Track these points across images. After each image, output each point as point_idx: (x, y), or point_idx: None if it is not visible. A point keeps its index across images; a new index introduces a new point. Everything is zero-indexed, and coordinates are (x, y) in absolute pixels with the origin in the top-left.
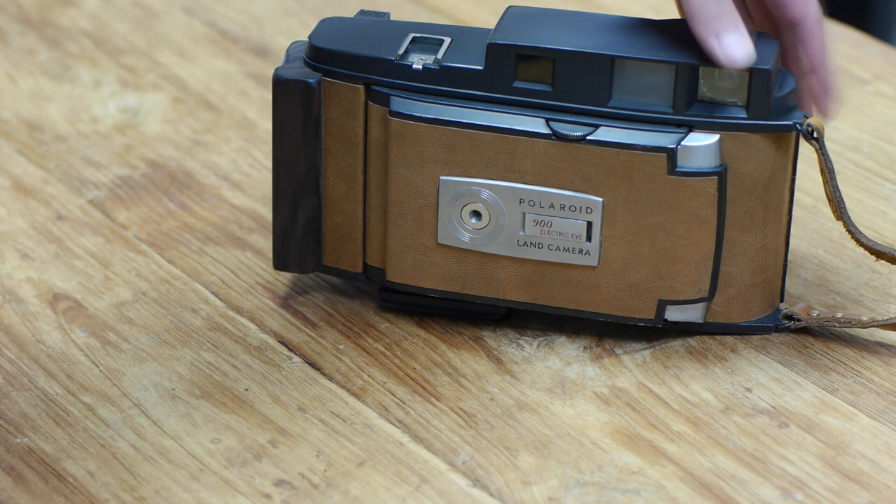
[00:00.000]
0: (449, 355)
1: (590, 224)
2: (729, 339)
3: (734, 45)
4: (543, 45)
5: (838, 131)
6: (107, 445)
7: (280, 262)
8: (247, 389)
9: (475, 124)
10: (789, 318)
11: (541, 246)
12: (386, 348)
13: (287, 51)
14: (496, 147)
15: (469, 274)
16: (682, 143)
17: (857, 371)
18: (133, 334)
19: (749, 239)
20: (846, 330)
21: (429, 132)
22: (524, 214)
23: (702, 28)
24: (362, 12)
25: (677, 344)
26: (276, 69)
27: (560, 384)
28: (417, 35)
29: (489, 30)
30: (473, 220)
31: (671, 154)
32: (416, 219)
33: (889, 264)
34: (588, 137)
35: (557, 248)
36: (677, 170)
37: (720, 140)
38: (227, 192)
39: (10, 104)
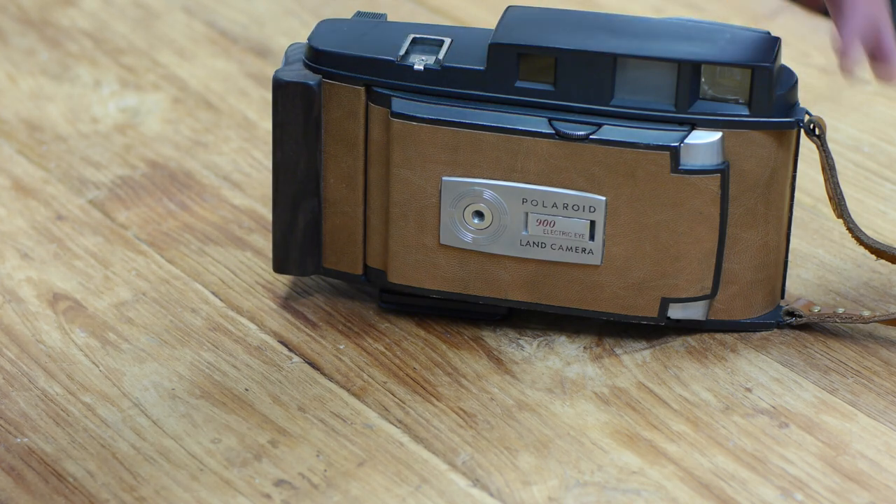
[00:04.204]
0: (449, 355)
1: (593, 223)
2: (729, 339)
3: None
4: (545, 45)
5: (838, 131)
6: (107, 445)
7: (280, 265)
8: (247, 389)
9: (477, 124)
10: (791, 314)
11: (543, 245)
12: (386, 348)
13: (286, 53)
14: (498, 147)
15: (471, 274)
16: (685, 141)
17: (857, 371)
18: (133, 334)
19: (751, 236)
20: (847, 329)
21: (430, 133)
22: (527, 214)
23: None
24: (359, 14)
25: (677, 344)
26: (276, 72)
27: (560, 384)
28: (418, 36)
29: (490, 30)
30: (476, 221)
31: (674, 152)
32: (418, 220)
33: (889, 263)
34: (591, 136)
35: (560, 248)
36: (680, 168)
37: (722, 138)
38: (227, 192)
39: (10, 104)
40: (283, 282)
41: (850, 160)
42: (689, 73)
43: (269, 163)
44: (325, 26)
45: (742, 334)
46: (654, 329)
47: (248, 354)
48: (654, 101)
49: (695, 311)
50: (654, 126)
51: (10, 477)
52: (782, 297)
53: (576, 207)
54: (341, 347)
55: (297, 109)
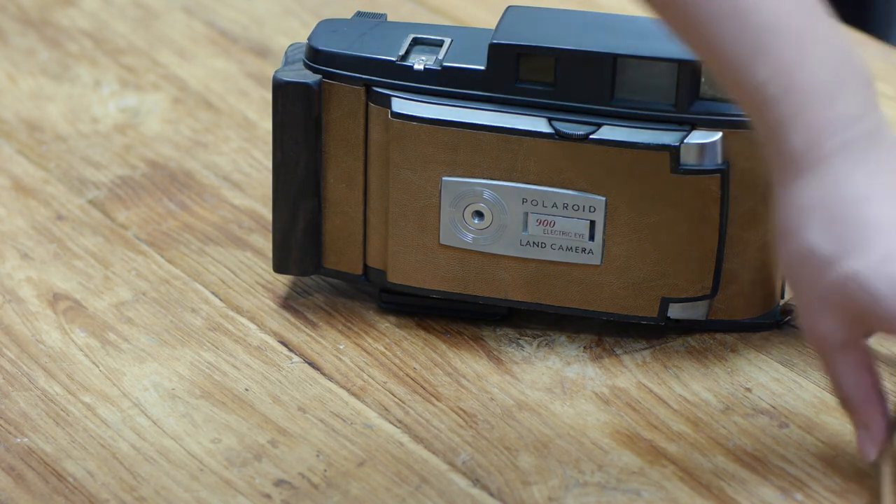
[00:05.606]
0: (449, 355)
1: (593, 223)
2: (729, 339)
3: (862, 443)
4: (545, 45)
5: None
6: (107, 445)
7: (280, 265)
8: (247, 389)
9: (477, 124)
10: (789, 313)
11: (543, 245)
12: (386, 348)
13: (285, 53)
14: (498, 147)
15: (471, 274)
16: (685, 141)
17: None
18: (133, 334)
19: (751, 236)
20: None
21: (430, 133)
22: (527, 214)
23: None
24: (359, 14)
25: (677, 344)
26: (276, 72)
27: (560, 384)
28: (418, 36)
29: (490, 30)
30: (476, 221)
31: (674, 152)
32: (419, 220)
33: None
34: (591, 136)
35: (560, 248)
36: (680, 168)
37: (722, 138)
38: (227, 192)
39: (10, 104)
40: (283, 282)
41: None
42: (689, 73)
43: (269, 163)
44: (325, 26)
45: (742, 334)
46: (654, 329)
47: (248, 354)
48: (654, 101)
49: (695, 311)
50: (654, 126)
51: (10, 477)
52: (782, 296)
53: (576, 207)
54: (341, 347)
55: (297, 109)
